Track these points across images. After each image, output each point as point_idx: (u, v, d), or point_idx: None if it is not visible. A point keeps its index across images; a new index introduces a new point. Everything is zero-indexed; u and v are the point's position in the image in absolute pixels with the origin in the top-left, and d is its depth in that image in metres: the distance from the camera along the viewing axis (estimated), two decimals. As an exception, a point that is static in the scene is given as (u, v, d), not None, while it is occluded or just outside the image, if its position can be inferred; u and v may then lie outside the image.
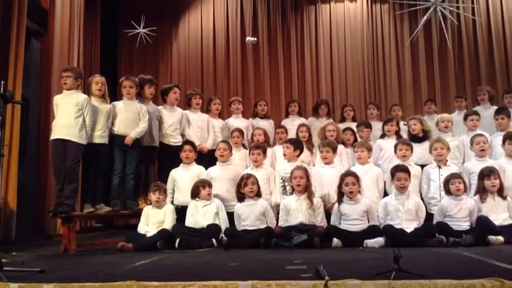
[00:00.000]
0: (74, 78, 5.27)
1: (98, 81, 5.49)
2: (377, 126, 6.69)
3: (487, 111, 6.72)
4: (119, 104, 5.69)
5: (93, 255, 4.64)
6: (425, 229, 4.72)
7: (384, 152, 6.06)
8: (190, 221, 5.15)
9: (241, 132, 6.38)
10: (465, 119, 6.23)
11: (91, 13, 8.78)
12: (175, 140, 6.08)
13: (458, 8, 8.95)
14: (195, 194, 5.23)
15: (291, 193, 5.23)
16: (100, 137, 5.38)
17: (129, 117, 5.62)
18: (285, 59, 9.67)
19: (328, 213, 5.14)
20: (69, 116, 5.12)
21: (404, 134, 6.30)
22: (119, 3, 9.95)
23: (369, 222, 4.89)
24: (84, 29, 7.96)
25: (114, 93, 6.17)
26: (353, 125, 6.81)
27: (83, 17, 7.77)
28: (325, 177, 5.51)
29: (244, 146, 6.43)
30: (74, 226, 5.08)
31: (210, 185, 5.27)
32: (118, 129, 5.57)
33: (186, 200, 5.33)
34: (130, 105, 5.68)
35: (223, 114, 7.19)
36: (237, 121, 6.86)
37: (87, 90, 5.50)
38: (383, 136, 6.29)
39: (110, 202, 5.44)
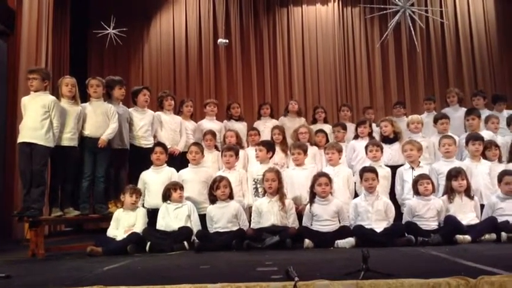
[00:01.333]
0: (40, 80, 5.16)
1: (68, 83, 5.38)
2: (350, 128, 6.76)
3: (456, 113, 6.87)
4: (87, 106, 5.58)
5: (62, 260, 4.54)
6: (395, 229, 4.80)
7: (357, 153, 6.12)
8: (161, 224, 5.09)
9: (213, 134, 6.35)
10: (435, 122, 6.33)
11: (60, 13, 8.63)
12: (146, 142, 6.02)
13: (426, 11, 9.15)
14: (166, 196, 5.18)
15: (263, 195, 5.24)
16: (70, 139, 5.28)
17: (99, 119, 5.53)
18: (258, 61, 9.72)
19: (300, 215, 5.17)
20: (36, 118, 5.00)
21: (376, 136, 6.39)
22: (89, 3, 9.82)
23: (340, 222, 4.95)
24: (53, 30, 7.81)
25: (84, 95, 6.07)
26: (324, 127, 6.90)
27: (52, 17, 7.61)
28: (296, 178, 5.54)
29: (216, 148, 6.40)
30: (41, 230, 4.96)
31: (181, 188, 5.22)
32: (89, 132, 5.47)
33: (157, 203, 5.27)
34: (98, 106, 5.60)
35: (195, 116, 7.15)
36: (210, 123, 6.83)
37: (56, 92, 5.39)
38: (356, 137, 6.36)
39: (79, 206, 5.34)
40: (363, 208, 4.94)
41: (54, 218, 5.25)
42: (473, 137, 5.66)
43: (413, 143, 5.58)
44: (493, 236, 4.71)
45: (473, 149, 5.58)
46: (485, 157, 5.64)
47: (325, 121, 7.31)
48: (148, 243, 4.82)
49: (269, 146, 5.84)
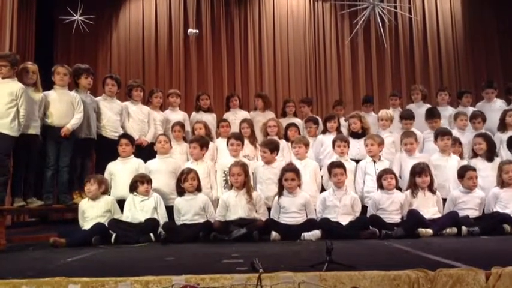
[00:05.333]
0: (10, 66, 4.97)
1: (29, 69, 5.23)
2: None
3: (420, 109, 6.97)
4: (51, 94, 5.45)
5: (24, 251, 4.44)
6: (359, 222, 4.88)
7: (325, 148, 6.19)
8: (127, 216, 5.04)
9: (182, 126, 6.32)
10: (401, 121, 6.45)
11: (26, -2, 8.35)
12: (114, 132, 5.93)
13: (395, 7, 9.25)
14: (133, 188, 5.12)
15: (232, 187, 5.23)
16: (33, 127, 5.15)
17: (64, 108, 5.42)
18: (229, 52, 9.63)
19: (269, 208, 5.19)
20: (1, 106, 4.83)
21: (344, 130, 6.46)
22: (56, -12, 9.52)
23: (306, 215, 4.99)
24: (18, 14, 7.54)
25: (49, 82, 5.93)
26: (295, 120, 6.92)
27: (17, 2, 7.36)
28: (265, 176, 5.51)
29: (185, 139, 6.36)
30: (3, 220, 4.85)
31: (149, 181, 5.15)
32: (52, 120, 5.36)
33: (123, 194, 5.21)
34: (63, 95, 5.48)
35: (164, 107, 7.08)
36: (173, 114, 6.78)
37: (18, 79, 5.21)
38: (324, 132, 6.42)
39: (43, 196, 5.23)
40: (331, 202, 5.02)
41: (17, 208, 5.13)
42: (442, 133, 5.78)
43: (374, 138, 5.67)
44: (454, 230, 4.85)
45: (442, 144, 5.71)
46: (450, 152, 5.80)
47: (295, 114, 7.35)
48: (114, 235, 4.77)
49: (241, 139, 5.88)
